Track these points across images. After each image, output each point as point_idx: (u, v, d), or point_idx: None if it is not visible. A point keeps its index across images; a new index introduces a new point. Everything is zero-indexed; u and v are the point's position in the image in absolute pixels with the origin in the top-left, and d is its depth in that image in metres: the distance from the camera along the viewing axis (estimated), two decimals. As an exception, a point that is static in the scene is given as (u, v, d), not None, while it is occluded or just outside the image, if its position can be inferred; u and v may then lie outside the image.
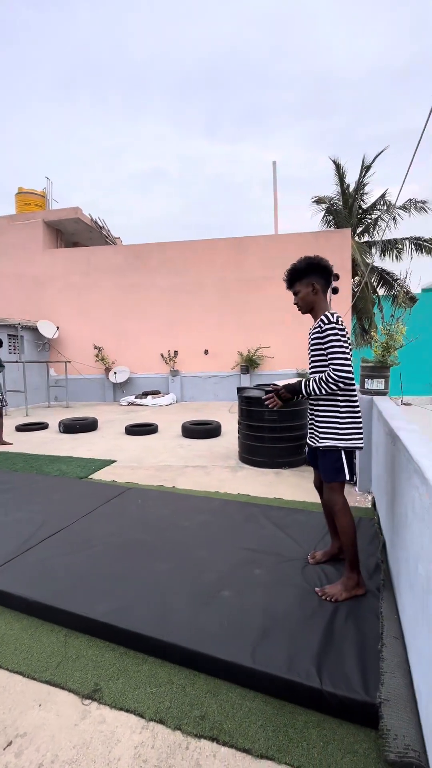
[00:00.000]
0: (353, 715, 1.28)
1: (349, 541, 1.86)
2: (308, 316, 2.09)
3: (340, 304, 9.55)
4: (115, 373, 11.13)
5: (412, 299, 12.31)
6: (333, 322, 1.83)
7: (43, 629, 1.81)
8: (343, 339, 1.81)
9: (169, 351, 11.21)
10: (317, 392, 1.85)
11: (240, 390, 4.84)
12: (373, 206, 14.04)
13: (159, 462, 4.68)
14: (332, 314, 1.86)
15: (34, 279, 11.82)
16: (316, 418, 1.94)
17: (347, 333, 1.86)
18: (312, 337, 1.96)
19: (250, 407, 4.50)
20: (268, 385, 4.93)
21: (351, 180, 14.08)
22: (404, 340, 3.41)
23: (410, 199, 13.39)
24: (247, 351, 10.80)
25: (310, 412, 2.00)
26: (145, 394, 10.61)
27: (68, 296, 11.67)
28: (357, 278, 13.01)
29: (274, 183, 12.94)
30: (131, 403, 10.35)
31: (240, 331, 10.94)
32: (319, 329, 1.88)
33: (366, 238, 14.32)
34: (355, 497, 3.42)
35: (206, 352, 11.15)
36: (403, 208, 13.42)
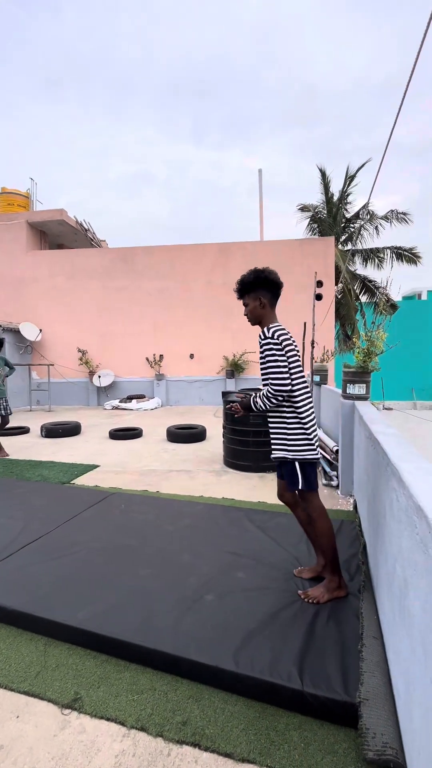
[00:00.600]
0: (333, 715, 1.30)
1: (329, 544, 1.89)
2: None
3: (323, 310, 9.72)
4: (99, 376, 11.00)
5: (393, 306, 12.64)
6: (268, 337, 1.84)
7: (22, 638, 1.76)
8: (278, 353, 1.82)
9: (154, 355, 11.16)
10: (262, 407, 1.88)
11: (225, 394, 4.86)
12: (357, 215, 14.40)
13: (143, 467, 4.64)
14: (269, 328, 1.87)
15: (16, 280, 11.60)
16: (270, 430, 1.98)
17: (290, 344, 1.87)
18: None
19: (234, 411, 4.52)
20: (252, 389, 4.98)
21: (335, 189, 14.43)
22: (384, 346, 3.49)
23: (392, 210, 13.79)
24: (233, 355, 10.85)
25: (267, 423, 2.03)
26: (130, 398, 10.51)
27: (52, 298, 11.49)
28: (340, 285, 13.29)
29: (260, 190, 13.12)
30: (116, 407, 10.23)
31: (226, 335, 10.99)
32: (259, 344, 1.90)
33: (349, 246, 14.65)
34: (337, 500, 3.48)
35: (192, 356, 11.15)
36: (385, 218, 13.81)
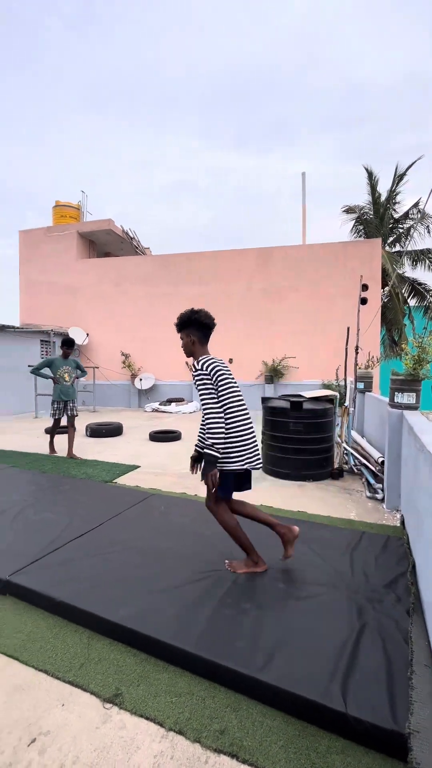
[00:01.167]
0: (379, 743, 1.23)
1: (232, 532, 2.21)
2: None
3: (369, 315, 9.35)
4: (141, 379, 11.34)
5: (446, 310, 11.87)
6: (198, 369, 2.08)
7: (68, 629, 1.84)
8: (207, 381, 2.05)
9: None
10: (215, 442, 1.99)
11: (264, 400, 4.82)
12: (406, 215, 13.74)
13: (182, 469, 4.70)
14: (199, 361, 2.11)
15: (67, 288, 12.31)
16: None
17: (221, 370, 2.09)
18: None
19: (274, 418, 4.47)
20: (294, 395, 4.88)
21: (383, 189, 13.88)
22: (437, 353, 3.29)
23: (444, 208, 13.00)
24: (272, 361, 10.74)
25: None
26: (170, 401, 10.73)
27: (98, 304, 12.06)
28: (387, 288, 12.72)
29: (303, 193, 12.94)
30: (155, 410, 10.49)
31: (265, 340, 10.91)
32: (192, 376, 2.14)
33: (397, 247, 14.01)
34: (383, 515, 3.31)
35: (231, 360, 11.18)
36: (437, 217, 13.05)
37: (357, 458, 4.51)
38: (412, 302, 13.90)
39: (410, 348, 3.49)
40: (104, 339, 11.98)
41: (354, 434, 5.49)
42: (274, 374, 10.64)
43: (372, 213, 14.10)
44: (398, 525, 3.05)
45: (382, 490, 3.66)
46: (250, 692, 1.45)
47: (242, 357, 11.07)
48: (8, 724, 1.38)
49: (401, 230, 13.90)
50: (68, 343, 5.42)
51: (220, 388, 2.07)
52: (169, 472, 4.60)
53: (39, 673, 1.59)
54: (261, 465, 2.20)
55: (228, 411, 2.08)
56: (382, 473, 3.83)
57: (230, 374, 2.16)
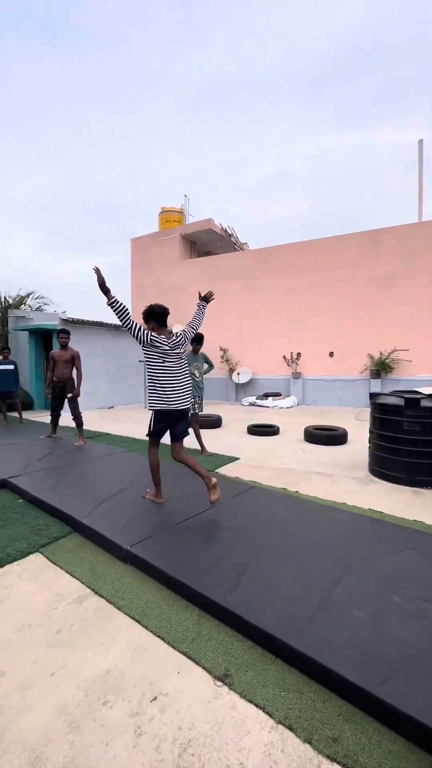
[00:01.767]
0: None
1: (151, 468, 3.23)
2: None
3: None
4: (239, 373, 11.56)
5: None
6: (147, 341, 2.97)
7: (180, 605, 1.99)
8: (147, 352, 2.99)
9: (291, 353, 11.06)
10: (126, 323, 2.99)
11: (373, 396, 4.44)
12: None
13: (281, 464, 4.65)
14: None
15: (171, 288, 13.21)
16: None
17: (157, 344, 2.95)
18: None
19: (384, 415, 4.08)
20: (407, 391, 4.38)
21: None
22: None
23: None
24: (380, 354, 9.84)
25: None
26: (266, 396, 10.71)
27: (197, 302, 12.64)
28: None
29: (419, 164, 11.45)
30: (252, 404, 10.59)
31: (371, 332, 10.04)
32: None
33: None
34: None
35: (331, 354, 10.61)
36: None
37: None
38: None
39: None
40: (203, 335, 12.52)
41: None
42: (381, 368, 9.74)
43: None
44: None
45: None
46: (362, 705, 1.36)
47: (344, 350, 10.40)
48: (134, 678, 1.55)
49: None
50: (198, 340, 5.61)
51: (148, 351, 2.97)
52: (268, 466, 4.59)
53: (156, 638, 1.75)
54: (182, 408, 3.05)
55: (151, 368, 2.98)
56: None
57: (162, 347, 2.95)
